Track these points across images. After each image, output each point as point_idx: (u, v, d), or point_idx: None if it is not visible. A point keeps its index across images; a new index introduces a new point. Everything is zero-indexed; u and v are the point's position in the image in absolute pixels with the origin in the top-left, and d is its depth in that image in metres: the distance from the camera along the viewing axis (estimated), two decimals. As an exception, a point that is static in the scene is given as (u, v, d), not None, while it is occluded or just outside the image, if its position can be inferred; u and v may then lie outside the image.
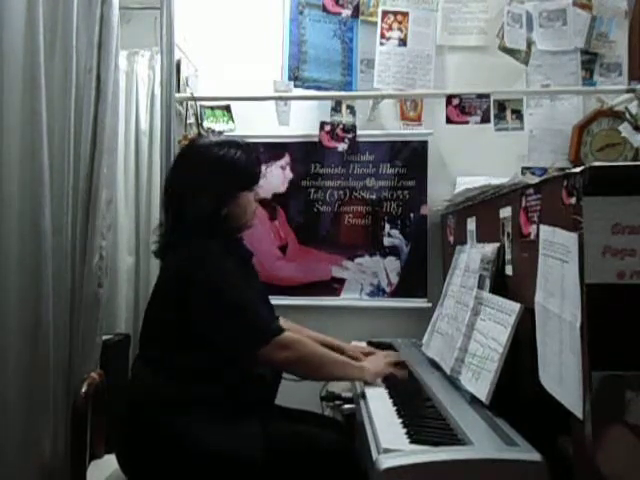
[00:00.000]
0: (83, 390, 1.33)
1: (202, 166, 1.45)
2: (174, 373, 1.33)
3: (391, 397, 1.35)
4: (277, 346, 1.33)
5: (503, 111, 2.09)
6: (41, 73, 1.38)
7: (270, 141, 2.30)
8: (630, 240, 0.90)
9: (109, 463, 1.48)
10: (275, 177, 2.29)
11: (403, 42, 2.25)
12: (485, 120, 2.09)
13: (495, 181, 1.46)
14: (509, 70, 2.21)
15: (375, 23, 2.25)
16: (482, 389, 1.22)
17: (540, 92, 2.22)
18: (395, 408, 1.27)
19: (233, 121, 2.30)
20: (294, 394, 1.55)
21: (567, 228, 0.97)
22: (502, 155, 2.20)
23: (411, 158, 2.28)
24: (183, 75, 2.23)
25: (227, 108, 2.29)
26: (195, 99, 2.23)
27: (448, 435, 1.10)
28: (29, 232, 1.37)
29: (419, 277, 2.26)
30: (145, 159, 2.24)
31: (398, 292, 2.27)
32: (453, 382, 1.39)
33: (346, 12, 2.26)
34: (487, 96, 2.09)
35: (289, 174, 2.31)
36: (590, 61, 2.24)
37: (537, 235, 1.12)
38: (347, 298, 2.29)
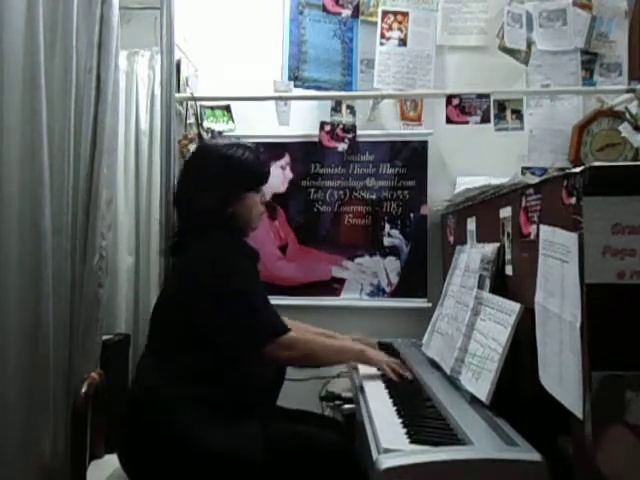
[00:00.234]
0: (83, 390, 1.33)
1: (210, 165, 1.49)
2: (176, 373, 1.34)
3: (391, 397, 1.35)
4: (281, 345, 1.37)
5: (503, 111, 2.09)
6: (41, 73, 1.38)
7: (270, 141, 2.30)
8: (630, 240, 0.90)
9: (109, 463, 1.48)
10: (275, 177, 2.29)
11: (403, 42, 2.25)
12: (485, 120, 2.09)
13: (495, 181, 1.46)
14: (509, 70, 2.21)
15: (375, 23, 2.25)
16: (482, 389, 1.22)
17: (540, 92, 2.22)
18: (395, 408, 1.27)
19: (233, 121, 2.30)
20: (294, 394, 1.55)
21: (567, 228, 0.97)
22: (502, 155, 2.20)
23: (411, 158, 2.28)
24: (183, 75, 2.23)
25: (227, 108, 2.29)
26: (195, 99, 2.23)
27: (448, 435, 1.10)
28: (29, 232, 1.37)
29: (419, 277, 2.26)
30: (145, 159, 2.24)
31: (398, 292, 2.27)
32: (453, 382, 1.39)
33: (346, 12, 2.26)
34: (487, 96, 2.09)
35: (289, 174, 2.31)
36: (590, 61, 2.24)
37: (537, 235, 1.12)
38: (347, 298, 2.29)
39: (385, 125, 2.33)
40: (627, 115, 2.06)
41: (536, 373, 1.09)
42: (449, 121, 2.11)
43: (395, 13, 2.25)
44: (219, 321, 1.35)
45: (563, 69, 2.22)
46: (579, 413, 0.93)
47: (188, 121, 2.29)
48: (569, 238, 0.95)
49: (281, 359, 1.39)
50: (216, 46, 2.34)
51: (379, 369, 1.52)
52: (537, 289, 1.10)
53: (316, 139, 2.24)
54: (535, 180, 1.19)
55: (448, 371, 1.42)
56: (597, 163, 0.94)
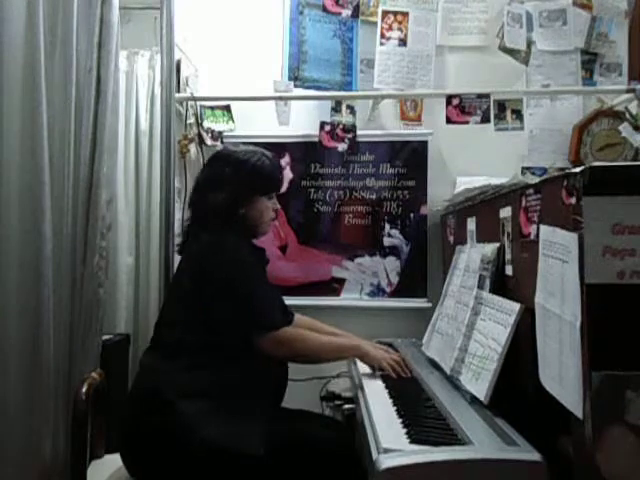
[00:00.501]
0: (83, 390, 1.33)
1: (226, 167, 1.55)
2: (178, 369, 1.35)
3: (391, 397, 1.35)
4: (276, 340, 1.39)
5: (503, 111, 2.10)
6: (41, 73, 1.38)
7: (270, 141, 2.30)
8: (630, 240, 0.90)
9: (109, 463, 1.48)
10: (275, 177, 2.29)
11: (403, 42, 2.25)
12: (485, 120, 2.09)
13: (495, 181, 1.46)
14: (509, 70, 2.21)
15: (375, 23, 2.25)
16: (482, 389, 1.22)
17: (540, 92, 2.22)
18: (395, 408, 1.27)
19: (233, 121, 2.30)
20: (294, 394, 1.55)
21: (567, 228, 0.97)
22: (502, 155, 2.20)
23: (411, 158, 2.28)
24: (183, 75, 2.23)
25: (227, 108, 2.29)
26: (195, 99, 2.23)
27: (448, 435, 1.10)
28: (29, 232, 1.37)
29: (419, 277, 2.26)
30: (145, 159, 2.23)
31: (398, 292, 2.27)
32: (453, 382, 1.39)
33: (346, 12, 2.26)
34: (487, 96, 2.09)
35: (289, 174, 2.31)
36: (590, 61, 2.24)
37: (537, 235, 1.12)
38: (347, 298, 2.29)
39: (385, 125, 2.33)
40: (627, 115, 2.06)
41: (536, 373, 1.09)
42: (449, 121, 2.11)
43: (395, 13, 2.25)
44: (219, 310, 1.38)
45: (563, 69, 2.22)
46: (579, 413, 0.93)
47: (188, 121, 2.29)
48: (569, 238, 0.95)
49: (276, 354, 1.41)
50: (216, 46, 2.34)
51: (379, 367, 1.52)
52: (537, 289, 1.10)
53: (316, 139, 2.24)
54: (535, 180, 1.19)
55: (448, 371, 1.42)
56: (597, 163, 0.94)
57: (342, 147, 2.23)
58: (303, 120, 2.27)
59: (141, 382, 1.43)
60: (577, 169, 0.94)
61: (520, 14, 2.17)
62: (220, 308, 1.38)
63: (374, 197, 2.29)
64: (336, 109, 2.20)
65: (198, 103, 2.26)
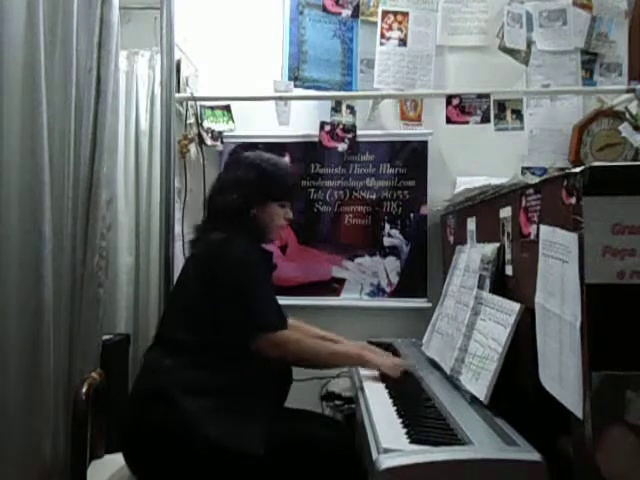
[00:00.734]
0: (83, 390, 1.33)
1: (242, 168, 1.58)
2: (181, 367, 1.36)
3: (391, 397, 1.35)
4: (271, 342, 1.40)
5: (503, 111, 2.10)
6: (41, 73, 1.38)
7: (270, 141, 2.30)
8: (630, 240, 0.90)
9: (109, 463, 1.48)
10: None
11: (403, 42, 2.25)
12: (485, 120, 2.09)
13: (495, 181, 1.46)
14: (509, 70, 2.21)
15: (375, 23, 2.25)
16: (482, 389, 1.22)
17: (540, 92, 2.22)
18: (395, 408, 1.27)
19: (233, 121, 2.30)
20: (294, 394, 1.55)
21: (567, 228, 0.97)
22: (502, 155, 2.20)
23: (411, 158, 2.28)
24: (183, 75, 2.23)
25: (227, 108, 2.29)
26: (195, 99, 2.23)
27: (448, 435, 1.10)
28: (29, 232, 1.37)
29: (419, 277, 2.26)
30: (145, 159, 2.23)
31: (398, 292, 2.27)
32: (453, 382, 1.39)
33: (346, 12, 2.26)
34: (487, 96, 2.09)
35: (289, 174, 2.31)
36: (590, 61, 2.24)
37: (537, 235, 1.12)
38: (347, 298, 2.29)
39: (385, 125, 2.33)
40: (627, 115, 2.06)
41: (536, 373, 1.09)
42: (449, 121, 2.11)
43: (395, 13, 2.25)
44: (220, 310, 1.39)
45: (563, 69, 2.22)
46: (579, 413, 0.93)
47: (188, 121, 2.29)
48: (569, 238, 0.95)
49: (271, 355, 1.41)
50: (216, 46, 2.34)
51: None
52: (537, 289, 1.10)
53: (316, 139, 2.24)
54: (535, 180, 1.19)
55: (448, 371, 1.42)
56: (597, 163, 0.94)
57: (342, 147, 2.23)
58: (303, 120, 2.27)
59: (144, 379, 1.44)
60: (577, 169, 0.94)
61: (520, 14, 2.17)
62: (220, 307, 1.39)
63: (374, 197, 2.29)
64: (336, 109, 2.20)
65: (198, 103, 2.26)
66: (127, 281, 2.19)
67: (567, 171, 0.99)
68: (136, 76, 2.23)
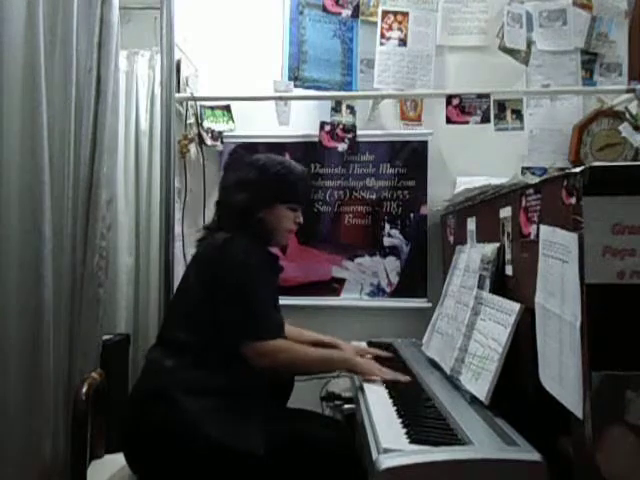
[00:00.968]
0: (83, 390, 1.33)
1: (252, 169, 1.56)
2: (182, 367, 1.36)
3: (391, 397, 1.35)
4: (259, 350, 1.38)
5: (503, 111, 2.10)
6: (41, 73, 1.38)
7: (270, 141, 2.30)
8: (630, 240, 0.90)
9: (109, 463, 1.48)
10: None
11: (403, 42, 2.25)
12: (485, 120, 2.09)
13: (495, 181, 1.46)
14: (509, 70, 2.21)
15: (375, 23, 2.25)
16: (482, 389, 1.22)
17: (540, 92, 2.22)
18: (395, 408, 1.27)
19: (233, 121, 2.31)
20: (294, 394, 1.55)
21: (567, 228, 0.97)
22: (502, 155, 2.20)
23: (411, 158, 2.28)
24: (183, 75, 2.23)
25: (227, 108, 2.29)
26: (195, 99, 2.23)
27: (448, 435, 1.10)
28: (29, 232, 1.37)
29: (419, 277, 2.26)
30: (145, 159, 2.23)
31: (398, 292, 2.27)
32: (453, 382, 1.39)
33: (346, 12, 2.26)
34: (487, 96, 2.09)
35: (289, 174, 2.31)
36: (590, 61, 2.24)
37: (537, 235, 1.12)
38: (347, 298, 2.29)
39: (385, 125, 2.33)
40: (627, 115, 2.06)
41: (536, 373, 1.09)
42: (449, 121, 2.11)
43: (395, 13, 2.25)
44: (218, 311, 1.39)
45: (563, 69, 2.22)
46: (579, 413, 0.93)
47: (188, 121, 2.29)
48: (569, 238, 0.95)
49: (259, 365, 1.38)
50: (216, 46, 2.34)
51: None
52: (537, 289, 1.10)
53: (316, 139, 2.24)
54: (535, 180, 1.19)
55: (448, 371, 1.42)
56: (597, 163, 0.94)
57: (342, 147, 2.23)
58: (303, 120, 2.27)
59: (145, 379, 1.44)
60: (577, 169, 0.94)
61: (520, 14, 2.17)
62: (218, 309, 1.39)
63: (374, 197, 2.30)
64: (336, 109, 2.20)
65: (198, 103, 2.27)
66: (127, 281, 2.19)
67: (567, 171, 0.99)
68: (136, 76, 2.23)
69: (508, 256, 1.34)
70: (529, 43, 2.18)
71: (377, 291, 2.28)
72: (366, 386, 1.43)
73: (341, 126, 2.21)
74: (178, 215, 2.14)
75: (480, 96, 2.09)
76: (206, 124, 2.27)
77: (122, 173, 2.15)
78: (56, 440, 1.44)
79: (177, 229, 2.09)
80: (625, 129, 2.01)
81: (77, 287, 1.51)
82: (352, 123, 2.21)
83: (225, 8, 2.35)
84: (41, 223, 1.38)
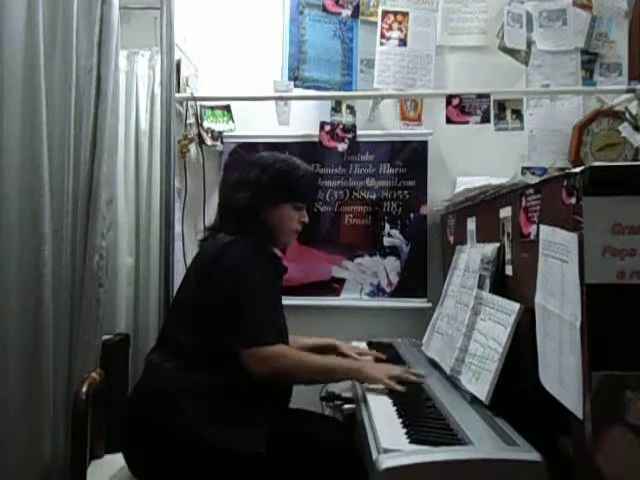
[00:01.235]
0: (83, 390, 1.33)
1: (256, 168, 1.52)
2: (181, 369, 1.35)
3: (391, 397, 1.35)
4: (254, 357, 1.33)
5: (503, 111, 2.10)
6: (41, 73, 1.39)
7: (270, 141, 2.30)
8: (630, 240, 0.90)
9: (109, 463, 1.48)
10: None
11: (403, 42, 2.25)
12: (485, 120, 2.09)
13: (495, 181, 1.46)
14: (509, 70, 2.21)
15: (375, 23, 2.25)
16: (482, 389, 1.22)
17: (540, 92, 2.22)
18: (395, 408, 1.27)
19: (233, 121, 2.31)
20: (294, 394, 1.55)
21: (567, 228, 0.97)
22: (502, 155, 2.20)
23: (411, 158, 2.28)
24: (183, 75, 2.23)
25: (227, 108, 2.29)
26: (195, 99, 2.23)
27: (448, 435, 1.10)
28: (29, 232, 1.37)
29: (419, 277, 2.26)
30: (145, 159, 2.23)
31: (398, 292, 2.27)
32: (453, 382, 1.39)
33: (346, 12, 2.26)
34: (487, 96, 2.09)
35: (289, 174, 2.30)
36: (590, 61, 2.24)
37: (537, 235, 1.12)
38: (347, 298, 2.29)
39: (385, 125, 2.33)
40: (627, 115, 2.06)
41: (536, 373, 1.09)
42: (449, 121, 2.11)
43: (395, 13, 2.25)
44: (213, 312, 1.36)
45: (563, 69, 2.22)
46: (579, 413, 0.93)
47: (188, 121, 2.29)
48: (569, 238, 0.95)
49: (256, 372, 1.33)
50: (216, 46, 2.34)
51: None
52: (537, 289, 1.10)
53: (316, 139, 2.24)
54: (535, 180, 1.19)
55: (448, 371, 1.42)
56: (597, 163, 0.94)
57: (342, 147, 2.23)
58: (303, 120, 2.27)
59: (145, 380, 1.43)
60: (577, 169, 0.94)
61: (520, 14, 2.17)
62: (215, 314, 1.36)
63: (374, 197, 2.30)
64: (336, 109, 2.20)
65: (198, 103, 2.26)
66: (127, 281, 2.19)
67: (567, 171, 0.99)
68: (136, 76, 2.23)
69: (508, 256, 1.35)
70: (529, 43, 2.18)
71: (377, 291, 2.28)
72: (366, 386, 1.43)
73: (341, 126, 2.21)
74: (178, 215, 2.14)
75: (480, 96, 2.09)
76: (206, 124, 2.27)
77: (122, 173, 2.15)
78: (56, 440, 1.44)
79: (177, 229, 2.09)
80: (625, 129, 2.01)
81: (77, 287, 1.51)
82: (352, 123, 2.21)
83: (225, 8, 2.35)
84: (41, 223, 1.38)
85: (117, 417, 1.44)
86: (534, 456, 0.99)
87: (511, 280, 1.33)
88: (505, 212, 1.36)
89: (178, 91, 2.13)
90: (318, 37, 2.28)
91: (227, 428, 1.29)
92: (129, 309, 2.19)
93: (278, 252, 1.57)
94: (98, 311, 1.55)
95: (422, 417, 1.20)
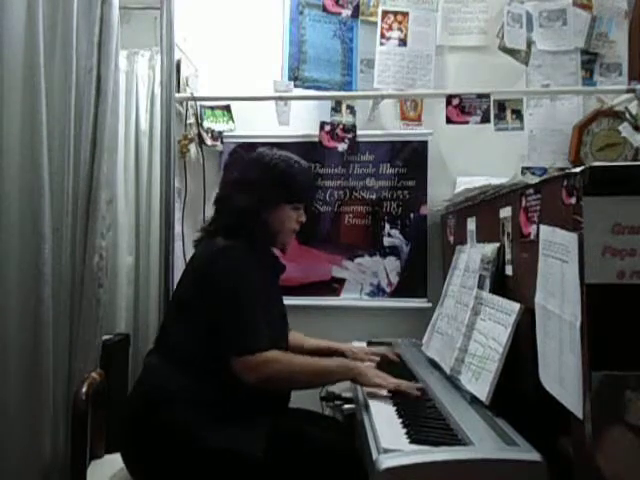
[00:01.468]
0: (83, 390, 1.33)
1: (256, 168, 1.51)
2: (179, 371, 1.34)
3: (391, 397, 1.35)
4: (245, 367, 1.30)
5: (503, 111, 2.10)
6: (41, 73, 1.39)
7: (270, 141, 2.28)
8: (630, 240, 0.90)
9: (109, 463, 1.48)
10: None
11: (403, 42, 2.25)
12: (485, 120, 2.09)
13: (495, 181, 1.46)
14: (509, 70, 2.21)
15: (375, 23, 2.25)
16: (482, 389, 1.22)
17: (540, 92, 2.22)
18: (395, 408, 1.27)
19: (233, 121, 2.31)
20: (294, 394, 1.55)
21: (567, 228, 0.97)
22: (502, 155, 2.20)
23: (411, 158, 2.28)
24: (183, 75, 2.23)
25: (227, 108, 2.29)
26: (195, 99, 2.23)
27: (448, 435, 1.10)
28: (29, 232, 1.37)
29: (419, 277, 2.26)
30: (145, 159, 2.23)
31: (398, 292, 2.27)
32: (453, 382, 1.39)
33: (346, 12, 2.26)
34: (487, 96, 2.09)
35: (289, 174, 2.30)
36: (590, 61, 2.24)
37: (537, 235, 1.12)
38: (347, 298, 2.29)
39: (385, 125, 2.33)
40: (627, 115, 2.06)
41: (536, 373, 1.09)
42: (449, 121, 2.11)
43: (395, 13, 2.25)
44: (209, 321, 1.34)
45: (563, 69, 2.22)
46: (579, 413, 0.93)
47: (188, 121, 2.29)
48: (569, 238, 0.95)
49: (247, 380, 1.30)
50: (216, 46, 2.34)
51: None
52: (537, 289, 1.10)
53: (316, 139, 2.24)
54: (535, 180, 1.19)
55: (448, 371, 1.42)
56: (597, 163, 0.94)
57: (342, 147, 2.23)
58: (303, 120, 2.27)
59: (144, 382, 1.42)
60: (577, 169, 0.94)
61: (520, 14, 2.17)
62: (212, 318, 1.34)
63: (374, 197, 2.30)
64: (336, 109, 2.20)
65: (198, 103, 2.27)
66: (127, 281, 2.19)
67: (567, 171, 0.99)
68: (136, 76, 2.23)
69: (508, 256, 1.35)
70: (529, 43, 2.18)
71: (377, 291, 2.28)
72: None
73: (341, 126, 2.21)
74: (178, 215, 2.14)
75: (480, 96, 2.09)
76: (206, 124, 2.28)
77: (122, 173, 2.15)
78: (56, 440, 1.44)
79: (177, 229, 2.09)
80: (625, 129, 2.01)
81: (77, 287, 1.51)
82: (352, 123, 2.21)
83: (225, 8, 2.35)
84: (41, 223, 1.38)
85: (117, 417, 1.44)
86: (534, 456, 0.99)
87: (511, 280, 1.33)
88: (505, 212, 1.36)
89: (178, 91, 2.13)
90: (318, 37, 2.28)
91: (226, 429, 1.29)
92: (129, 309, 2.19)
93: (277, 251, 1.56)
94: (98, 311, 1.55)
95: (422, 417, 1.20)
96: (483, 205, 1.59)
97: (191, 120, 2.28)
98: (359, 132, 2.23)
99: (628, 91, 2.08)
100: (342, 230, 2.31)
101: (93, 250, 1.53)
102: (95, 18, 1.54)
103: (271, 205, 1.48)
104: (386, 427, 1.15)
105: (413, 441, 1.06)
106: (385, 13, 2.25)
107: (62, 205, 1.47)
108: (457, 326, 1.47)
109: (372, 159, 2.30)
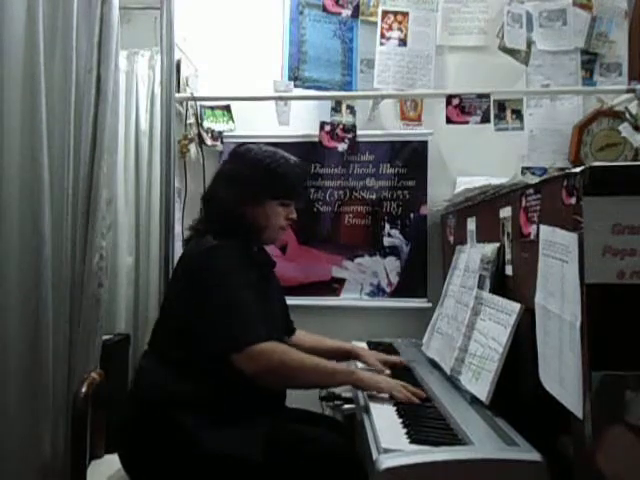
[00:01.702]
0: (83, 390, 1.33)
1: (241, 163, 1.49)
2: (176, 372, 1.33)
3: (391, 397, 1.35)
4: (247, 357, 1.27)
5: (503, 111, 2.10)
6: (41, 73, 1.39)
7: (270, 141, 2.28)
8: (630, 240, 0.90)
9: (109, 463, 1.48)
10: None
11: (403, 42, 2.25)
12: (485, 120, 2.09)
13: (495, 181, 1.46)
14: (509, 70, 2.21)
15: (375, 23, 2.26)
16: (482, 389, 1.22)
17: (540, 92, 2.22)
18: (395, 408, 1.27)
19: (233, 121, 2.31)
20: (294, 394, 1.55)
21: (567, 228, 0.97)
22: (502, 155, 2.20)
23: (411, 158, 2.28)
24: (183, 75, 2.23)
25: (227, 108, 2.29)
26: (195, 99, 2.23)
27: (448, 435, 1.10)
28: (29, 232, 1.37)
29: (419, 277, 2.26)
30: (145, 159, 2.23)
31: (398, 292, 2.27)
32: (453, 382, 1.39)
33: (346, 12, 2.27)
34: (487, 96, 2.09)
35: (289, 174, 2.30)
36: (590, 61, 2.24)
37: (537, 235, 1.12)
38: (347, 298, 2.29)
39: (385, 125, 2.33)
40: (627, 115, 2.06)
41: (536, 373, 1.09)
42: (449, 121, 2.11)
43: (395, 13, 2.25)
44: (197, 319, 1.33)
45: (563, 69, 2.22)
46: (579, 413, 0.93)
47: (188, 121, 2.29)
48: (569, 238, 0.95)
49: (250, 372, 1.27)
50: (216, 46, 2.34)
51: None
52: (537, 289, 1.10)
53: (316, 139, 2.24)
54: (535, 180, 1.19)
55: (448, 371, 1.42)
56: (597, 163, 0.94)
57: (342, 147, 2.23)
58: (303, 120, 2.27)
59: (139, 385, 1.42)
60: (577, 169, 0.94)
61: (520, 14, 2.17)
62: (203, 320, 1.32)
63: (374, 197, 2.30)
64: (336, 109, 2.20)
65: (198, 103, 2.27)
66: (127, 281, 2.19)
67: (567, 171, 0.99)
68: (136, 76, 2.23)
69: (508, 256, 1.35)
70: (529, 43, 2.18)
71: (377, 291, 2.28)
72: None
73: (341, 126, 2.21)
74: (178, 215, 2.14)
75: (480, 96, 2.09)
76: (206, 124, 2.28)
77: (122, 173, 2.15)
78: (56, 440, 1.44)
79: (177, 229, 2.08)
80: (625, 129, 2.01)
81: (77, 287, 1.51)
82: (352, 123, 2.21)
83: (225, 8, 2.36)
84: (41, 223, 1.38)
85: (117, 417, 1.44)
86: (534, 456, 0.99)
87: (511, 280, 1.33)
88: (505, 212, 1.36)
89: (178, 91, 2.13)
90: (318, 37, 2.28)
91: (224, 430, 1.28)
92: (129, 309, 2.19)
93: (277, 252, 1.55)
94: (98, 311, 1.55)
95: (422, 417, 1.20)
96: (483, 205, 1.59)
97: (191, 120, 2.28)
98: (359, 132, 2.23)
99: (628, 91, 2.08)
100: (342, 230, 2.31)
101: (93, 250, 1.53)
102: (95, 18, 1.53)
103: (255, 201, 1.45)
104: (386, 427, 1.15)
105: (413, 441, 1.06)
106: (385, 13, 2.25)
107: (62, 205, 1.47)
108: (457, 326, 1.47)
109: (372, 159, 2.30)
